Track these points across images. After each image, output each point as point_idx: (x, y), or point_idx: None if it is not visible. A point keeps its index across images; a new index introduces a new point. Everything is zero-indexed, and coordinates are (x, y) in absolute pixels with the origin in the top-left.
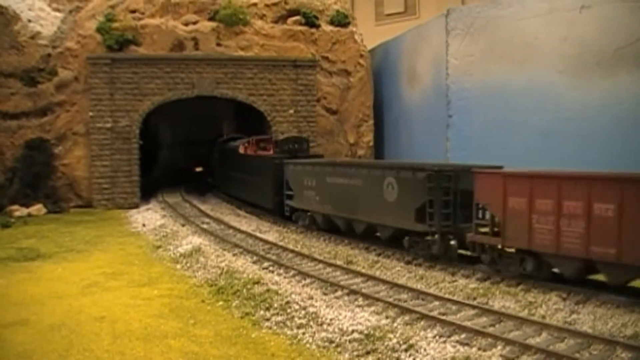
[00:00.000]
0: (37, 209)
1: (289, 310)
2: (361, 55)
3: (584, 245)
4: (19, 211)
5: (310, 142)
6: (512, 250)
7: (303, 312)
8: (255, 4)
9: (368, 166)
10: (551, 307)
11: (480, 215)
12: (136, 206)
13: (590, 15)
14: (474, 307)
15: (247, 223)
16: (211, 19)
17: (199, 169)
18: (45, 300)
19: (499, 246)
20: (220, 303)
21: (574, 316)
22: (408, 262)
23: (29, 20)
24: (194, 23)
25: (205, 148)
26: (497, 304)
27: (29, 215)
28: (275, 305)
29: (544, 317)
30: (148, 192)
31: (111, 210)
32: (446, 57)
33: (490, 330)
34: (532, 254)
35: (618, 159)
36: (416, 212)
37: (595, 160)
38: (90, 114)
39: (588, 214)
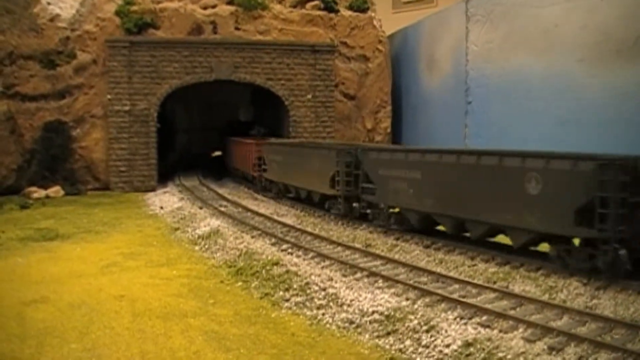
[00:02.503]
0: (55, 190)
1: (308, 291)
2: (380, 41)
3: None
4: (37, 193)
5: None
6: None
7: (323, 293)
8: None
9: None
10: (572, 291)
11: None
12: (153, 189)
13: (611, 3)
14: (494, 290)
15: (264, 206)
16: (230, 2)
17: (215, 154)
18: (65, 279)
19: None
20: (240, 284)
21: (595, 301)
22: (427, 246)
23: (48, 3)
24: (213, 7)
25: (220, 134)
26: (517, 288)
27: (47, 197)
28: (295, 286)
29: (564, 301)
30: (165, 176)
31: (128, 193)
32: (466, 44)
33: (511, 313)
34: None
35: (637, 146)
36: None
37: (614, 147)
38: (109, 96)
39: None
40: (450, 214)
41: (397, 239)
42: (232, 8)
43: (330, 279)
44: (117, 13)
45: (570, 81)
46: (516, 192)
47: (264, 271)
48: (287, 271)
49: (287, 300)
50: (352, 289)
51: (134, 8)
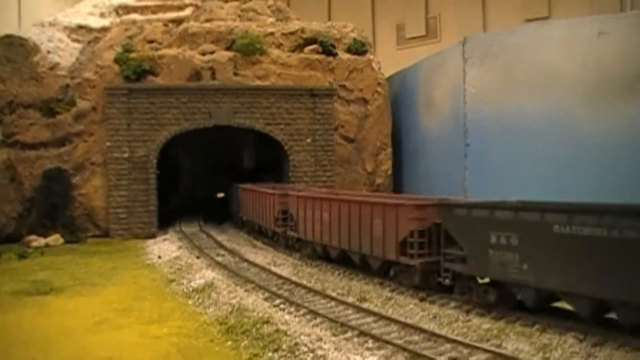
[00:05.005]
0: (55, 239)
1: (297, 353)
2: (379, 83)
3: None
4: (37, 241)
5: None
6: None
7: (311, 355)
8: (272, 33)
9: None
10: (567, 350)
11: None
12: (153, 236)
13: (608, 42)
14: (486, 350)
15: (262, 255)
16: (228, 48)
17: (219, 196)
18: (54, 338)
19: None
20: (229, 343)
21: None
22: (422, 299)
23: (48, 52)
24: (211, 53)
25: (225, 176)
26: (510, 346)
27: (47, 245)
28: (284, 346)
29: None
30: (167, 220)
31: (128, 240)
32: (463, 85)
33: None
34: None
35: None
36: None
37: (615, 188)
38: (108, 144)
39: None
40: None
41: (393, 290)
42: (230, 54)
43: (320, 339)
44: (116, 60)
45: (570, 121)
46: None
47: (254, 330)
48: (277, 330)
49: None
50: (340, 350)
51: (133, 55)
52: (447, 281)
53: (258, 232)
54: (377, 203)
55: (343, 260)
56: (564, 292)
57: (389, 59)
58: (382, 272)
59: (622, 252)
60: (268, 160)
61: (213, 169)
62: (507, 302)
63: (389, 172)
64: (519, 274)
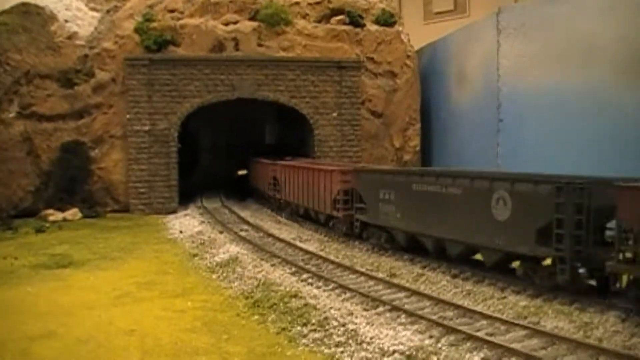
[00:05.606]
0: (73, 213)
1: (327, 327)
2: (408, 56)
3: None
4: (54, 215)
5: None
6: None
7: (342, 329)
8: (297, 3)
9: None
10: (609, 329)
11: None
12: (174, 211)
13: None
14: (524, 327)
15: (287, 231)
16: (252, 18)
17: (241, 173)
18: (75, 311)
19: None
20: (256, 317)
21: (634, 340)
22: (454, 276)
23: (66, 21)
24: (235, 23)
25: (246, 152)
26: (549, 324)
27: (64, 219)
28: (313, 320)
29: (600, 340)
30: (188, 195)
31: (148, 216)
32: (497, 58)
33: (542, 353)
34: None
35: None
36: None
37: None
38: (128, 116)
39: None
40: None
41: (424, 267)
42: (254, 24)
43: (351, 314)
44: (137, 30)
45: (608, 96)
46: None
47: (281, 304)
48: (306, 304)
49: (305, 336)
50: (372, 324)
51: (154, 25)
52: (357, 230)
53: (262, 198)
54: (321, 170)
55: (308, 216)
56: (419, 233)
57: (415, 34)
58: (327, 223)
59: (448, 204)
60: (290, 136)
61: (234, 144)
62: (393, 243)
63: (418, 148)
64: (395, 221)
